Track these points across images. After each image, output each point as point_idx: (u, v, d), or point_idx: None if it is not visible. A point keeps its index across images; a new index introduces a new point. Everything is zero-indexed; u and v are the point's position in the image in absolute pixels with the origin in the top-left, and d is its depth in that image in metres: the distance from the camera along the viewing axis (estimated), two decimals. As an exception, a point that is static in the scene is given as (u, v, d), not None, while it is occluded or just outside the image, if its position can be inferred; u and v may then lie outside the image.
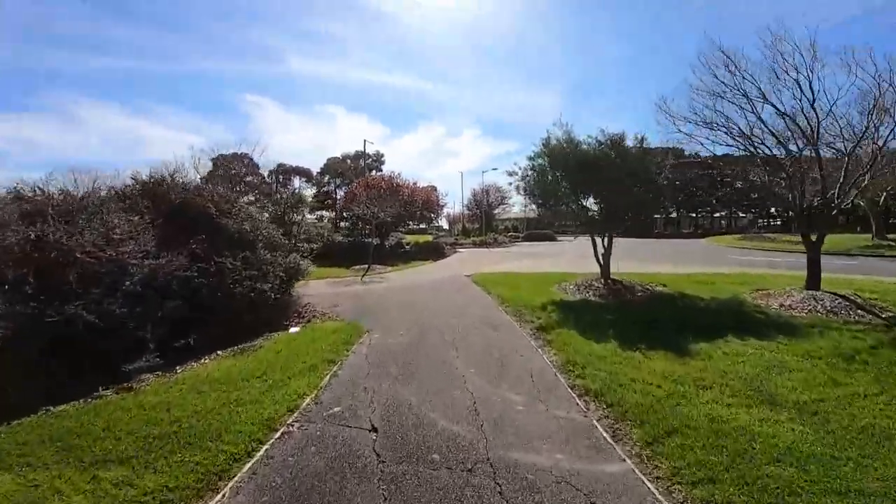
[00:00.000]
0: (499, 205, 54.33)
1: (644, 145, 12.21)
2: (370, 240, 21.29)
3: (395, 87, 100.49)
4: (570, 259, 22.02)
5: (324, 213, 61.12)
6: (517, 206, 64.82)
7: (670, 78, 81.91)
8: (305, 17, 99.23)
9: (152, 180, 8.81)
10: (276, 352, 6.93)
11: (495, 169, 53.22)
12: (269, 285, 8.77)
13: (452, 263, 21.35)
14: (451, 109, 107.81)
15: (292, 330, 8.68)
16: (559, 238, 49.81)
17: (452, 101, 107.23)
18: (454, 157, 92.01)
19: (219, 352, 7.19)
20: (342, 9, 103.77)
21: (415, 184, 27.35)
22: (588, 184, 12.12)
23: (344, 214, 26.31)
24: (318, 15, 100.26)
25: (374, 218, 19.31)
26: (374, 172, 38.13)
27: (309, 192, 61.09)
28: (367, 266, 18.97)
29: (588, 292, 11.90)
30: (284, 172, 75.18)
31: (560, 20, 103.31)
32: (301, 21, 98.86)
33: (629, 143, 12.02)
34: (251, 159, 74.63)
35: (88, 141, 63.51)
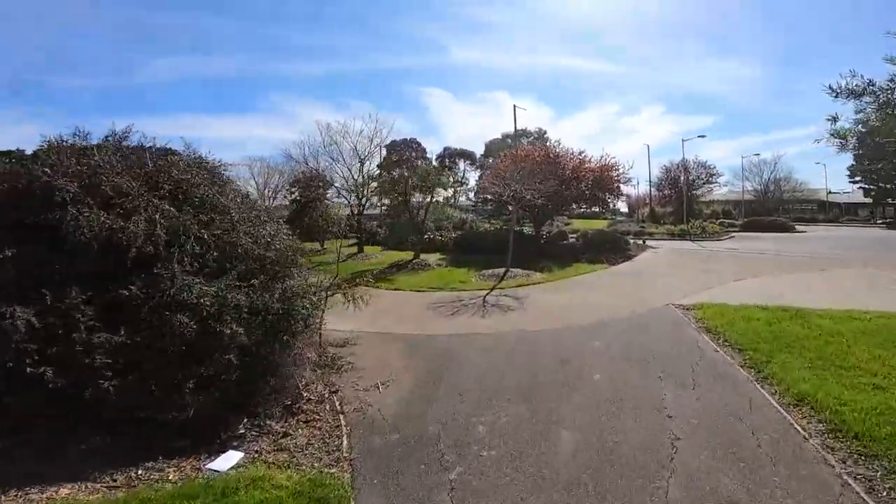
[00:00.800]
0: (703, 184, 40.94)
1: None
2: (519, 228, 15.17)
3: (561, 68, 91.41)
4: (882, 272, 11.59)
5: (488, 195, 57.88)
6: (727, 185, 48.97)
7: None
8: (469, 8, 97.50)
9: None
10: None
11: (703, 136, 39.40)
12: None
13: (644, 273, 13.35)
14: (626, 86, 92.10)
15: (217, 463, 3.42)
16: (799, 228, 34.50)
17: (627, 78, 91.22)
18: (631, 135, 77.36)
19: None
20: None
21: (581, 154, 19.76)
22: None
23: (484, 196, 20.66)
24: (481, 5, 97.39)
25: (517, 199, 13.01)
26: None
27: (474, 174, 58.86)
28: (503, 271, 12.93)
29: None
30: (450, 156, 75.08)
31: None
32: (464, 12, 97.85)
33: None
34: (419, 144, 77.10)
35: (300, 136, 75.10)
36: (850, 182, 44.03)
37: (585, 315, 8.10)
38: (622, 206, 53.39)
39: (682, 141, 41.56)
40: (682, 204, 38.67)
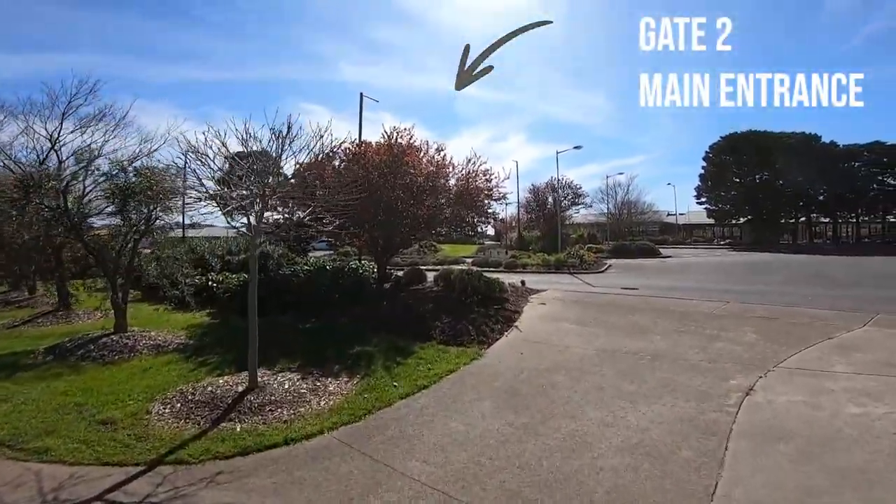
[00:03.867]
0: (571, 205, 39.60)
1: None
2: (356, 265, 7.86)
3: (441, 93, 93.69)
4: None
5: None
6: (591, 207, 49.48)
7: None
8: (357, 26, 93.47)
9: None
10: None
11: (579, 147, 36.70)
12: None
13: (540, 379, 6.71)
14: (496, 114, 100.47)
15: None
16: (663, 251, 34.48)
17: (498, 105, 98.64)
18: (500, 160, 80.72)
19: None
20: (392, 16, 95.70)
21: (442, 154, 13.70)
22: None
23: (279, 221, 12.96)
24: (370, 23, 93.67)
25: (280, 229, 5.79)
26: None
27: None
28: (245, 385, 5.57)
29: None
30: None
31: (607, 20, 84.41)
32: (353, 29, 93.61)
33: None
34: (274, 158, 66.53)
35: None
36: (697, 202, 47.87)
37: None
38: (489, 230, 50.54)
39: (557, 153, 39.65)
40: (550, 228, 36.26)
